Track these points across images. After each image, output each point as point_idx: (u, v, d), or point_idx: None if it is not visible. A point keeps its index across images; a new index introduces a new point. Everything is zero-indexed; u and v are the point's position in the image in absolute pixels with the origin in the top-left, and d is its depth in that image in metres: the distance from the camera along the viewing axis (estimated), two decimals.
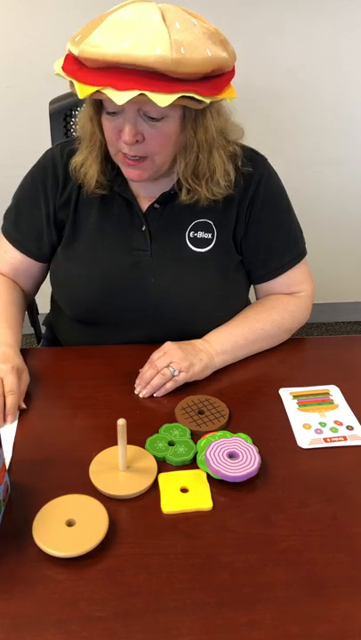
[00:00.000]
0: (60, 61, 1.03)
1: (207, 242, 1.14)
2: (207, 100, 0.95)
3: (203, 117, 1.01)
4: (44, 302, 1.35)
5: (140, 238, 1.14)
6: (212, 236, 1.14)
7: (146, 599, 0.70)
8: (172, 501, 0.83)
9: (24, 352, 1.14)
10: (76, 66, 0.96)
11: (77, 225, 1.16)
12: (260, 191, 1.16)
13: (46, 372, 1.10)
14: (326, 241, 2.47)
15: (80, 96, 0.94)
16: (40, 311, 1.50)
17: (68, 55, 0.99)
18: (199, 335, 1.13)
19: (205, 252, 1.14)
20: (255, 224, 1.16)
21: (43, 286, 1.30)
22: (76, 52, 0.94)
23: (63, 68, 0.98)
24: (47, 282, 1.26)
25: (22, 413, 0.99)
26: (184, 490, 0.85)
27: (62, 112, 1.44)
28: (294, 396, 1.04)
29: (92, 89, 0.92)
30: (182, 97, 0.92)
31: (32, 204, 1.18)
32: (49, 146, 1.26)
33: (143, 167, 1.04)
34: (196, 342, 1.10)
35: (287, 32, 2.15)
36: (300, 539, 0.78)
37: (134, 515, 0.81)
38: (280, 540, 0.78)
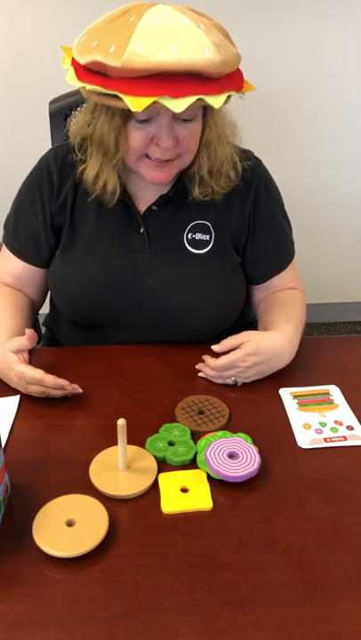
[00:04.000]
0: (72, 73, 0.97)
1: (205, 243, 1.14)
2: (242, 96, 1.00)
3: (218, 112, 1.05)
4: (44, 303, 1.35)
5: (139, 240, 1.13)
6: (210, 237, 1.14)
7: (146, 599, 0.70)
8: (172, 501, 0.83)
9: None
10: (107, 77, 0.92)
11: (75, 228, 1.16)
12: (261, 193, 1.16)
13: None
14: (326, 241, 2.47)
15: (136, 109, 0.89)
16: (40, 311, 1.50)
17: (93, 65, 0.93)
18: (198, 336, 1.13)
19: (203, 253, 1.14)
20: (261, 225, 1.17)
21: None
22: (118, 63, 0.89)
23: (92, 81, 0.94)
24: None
25: (22, 413, 1.00)
26: (184, 490, 0.85)
27: (62, 112, 1.44)
28: (294, 396, 1.04)
29: (148, 100, 0.89)
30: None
31: (29, 211, 1.18)
32: (49, 146, 1.26)
33: (171, 168, 1.05)
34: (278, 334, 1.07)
35: (287, 32, 2.15)
36: (300, 539, 0.78)
37: (134, 515, 0.81)
38: (280, 539, 0.78)
